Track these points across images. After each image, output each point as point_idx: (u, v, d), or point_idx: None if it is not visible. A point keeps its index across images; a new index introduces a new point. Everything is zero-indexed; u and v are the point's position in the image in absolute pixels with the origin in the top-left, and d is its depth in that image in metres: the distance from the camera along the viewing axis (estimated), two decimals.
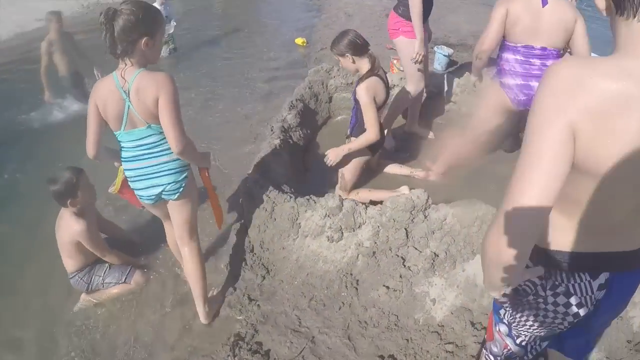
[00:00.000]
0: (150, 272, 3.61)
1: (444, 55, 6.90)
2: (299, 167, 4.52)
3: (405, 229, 3.18)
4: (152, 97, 2.36)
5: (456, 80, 5.73)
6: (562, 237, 1.45)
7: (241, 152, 5.11)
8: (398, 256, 3.18)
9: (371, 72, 3.82)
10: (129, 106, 2.41)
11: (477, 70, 4.05)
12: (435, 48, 7.07)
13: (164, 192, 2.70)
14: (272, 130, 4.59)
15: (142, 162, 2.62)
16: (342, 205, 3.28)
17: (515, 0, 3.53)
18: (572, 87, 1.14)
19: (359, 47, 3.78)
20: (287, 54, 8.76)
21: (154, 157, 2.61)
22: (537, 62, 3.63)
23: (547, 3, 3.44)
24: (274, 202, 3.42)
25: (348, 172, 4.05)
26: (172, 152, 2.53)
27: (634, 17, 1.12)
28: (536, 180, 1.16)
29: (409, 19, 4.38)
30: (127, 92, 2.37)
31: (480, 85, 4.50)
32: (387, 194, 3.99)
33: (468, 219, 3.12)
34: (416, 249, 3.16)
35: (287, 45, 9.18)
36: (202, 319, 3.10)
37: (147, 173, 2.64)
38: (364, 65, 3.85)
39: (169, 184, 2.67)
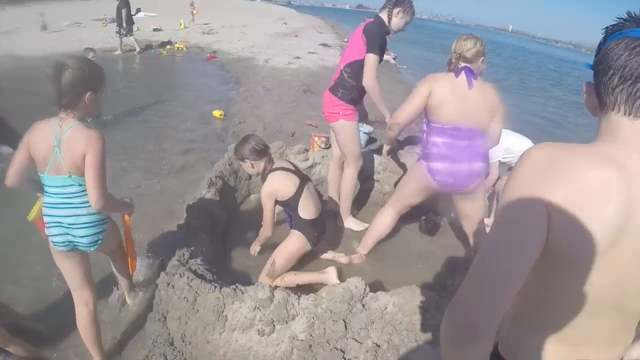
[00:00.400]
0: None
1: (365, 133, 6.89)
2: (219, 250, 4.18)
3: (344, 320, 2.93)
4: (81, 151, 2.46)
5: (377, 158, 5.66)
6: (527, 343, 1.34)
7: (156, 230, 4.70)
8: (337, 349, 2.89)
9: (270, 169, 3.93)
10: (57, 152, 2.48)
11: (389, 140, 4.41)
12: None
13: (79, 245, 2.72)
14: (188, 209, 4.28)
15: (61, 210, 2.62)
16: (273, 297, 2.99)
17: (439, 81, 3.55)
18: (551, 170, 1.13)
19: (259, 153, 3.89)
20: (203, 126, 8.52)
21: (73, 207, 2.63)
22: (464, 143, 3.61)
23: (473, 85, 3.49)
24: (196, 292, 3.05)
25: (281, 260, 3.82)
26: (90, 206, 2.56)
27: (612, 109, 1.15)
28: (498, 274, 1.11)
29: (348, 102, 4.37)
30: (59, 140, 2.47)
31: (389, 152, 4.80)
32: (314, 277, 3.90)
33: (410, 307, 2.94)
34: (356, 340, 2.90)
35: (204, 117, 8.95)
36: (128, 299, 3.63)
37: (63, 223, 2.64)
38: (261, 166, 3.94)
39: (85, 236, 2.69)
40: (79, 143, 2.45)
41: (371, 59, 4.11)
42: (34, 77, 6.91)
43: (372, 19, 4.28)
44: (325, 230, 4.15)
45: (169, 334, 3.14)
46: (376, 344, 2.89)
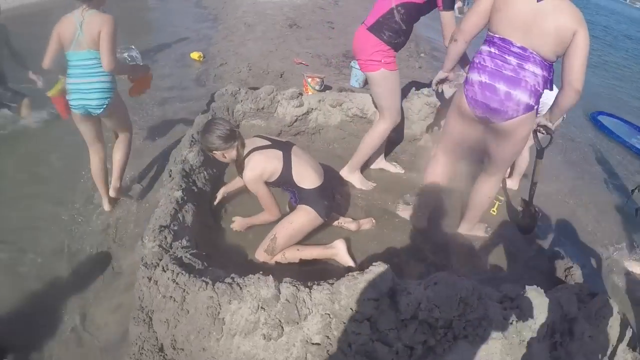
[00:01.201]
0: None
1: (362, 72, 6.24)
2: (207, 223, 3.56)
3: (368, 320, 2.36)
4: (97, 29, 3.36)
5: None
6: None
7: (131, 202, 4.12)
8: (361, 354, 2.35)
9: (244, 154, 3.27)
10: (79, 33, 3.40)
11: (450, 59, 3.43)
12: (352, 63, 6.44)
13: (89, 107, 3.59)
14: (170, 175, 3.63)
15: (80, 79, 3.52)
16: (280, 293, 2.40)
17: None
18: None
19: (227, 139, 3.19)
20: (181, 70, 7.63)
21: (89, 76, 3.52)
22: (513, 60, 2.95)
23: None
24: (184, 291, 2.47)
25: (283, 237, 3.25)
26: (103, 75, 3.54)
27: None
28: None
29: (394, 46, 3.74)
30: (81, 23, 3.38)
31: (440, 81, 3.78)
32: (320, 252, 3.37)
33: (448, 303, 2.38)
34: (384, 343, 2.36)
35: (182, 60, 8.06)
36: (111, 192, 4.06)
37: (81, 89, 3.53)
38: (234, 153, 3.26)
39: (95, 99, 3.56)
40: (96, 23, 3.35)
41: (449, 16, 3.57)
42: None
43: None
44: (334, 196, 3.57)
45: (157, 339, 2.62)
46: (409, 346, 2.37)
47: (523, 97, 2.94)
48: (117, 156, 4.03)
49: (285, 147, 3.33)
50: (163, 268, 2.60)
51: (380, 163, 4.65)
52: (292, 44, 8.68)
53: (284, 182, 3.29)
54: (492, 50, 3.00)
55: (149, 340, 2.62)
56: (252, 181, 3.18)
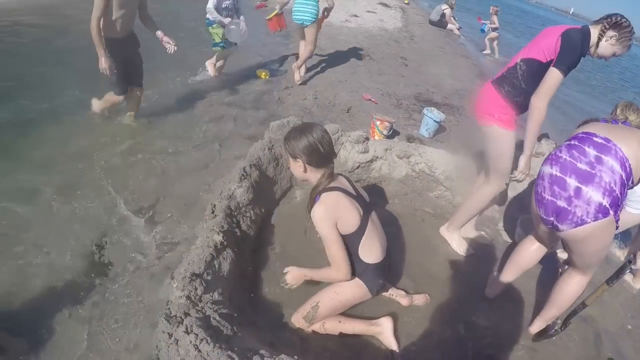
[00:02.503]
0: None
1: (435, 121, 5.87)
2: (245, 271, 3.21)
3: None
4: None
5: (450, 159, 4.54)
6: None
7: (170, 227, 3.81)
8: None
9: (325, 186, 2.80)
10: None
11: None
12: (424, 110, 6.04)
13: (305, 20, 7.08)
14: (212, 211, 3.30)
15: (302, 6, 7.03)
16: None
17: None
18: None
19: (321, 158, 2.77)
20: (244, 86, 7.36)
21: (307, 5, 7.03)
22: (591, 152, 2.61)
23: (617, 124, 2.89)
24: None
25: (327, 308, 2.87)
26: (313, 3, 7.09)
27: None
28: None
29: (511, 104, 3.47)
30: None
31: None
32: (363, 328, 2.97)
33: None
34: None
35: (247, 76, 7.81)
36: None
37: (301, 9, 7.05)
38: (315, 177, 2.84)
39: (308, 16, 7.06)
40: None
41: (555, 76, 3.19)
42: None
43: (579, 27, 3.24)
44: (390, 271, 3.14)
45: None
46: None
47: (597, 197, 2.54)
48: (301, 50, 7.53)
49: (366, 207, 2.91)
50: (187, 329, 2.28)
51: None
52: (363, 76, 8.39)
53: (346, 243, 2.83)
54: (572, 142, 2.74)
55: None
56: (323, 220, 2.66)
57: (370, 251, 2.84)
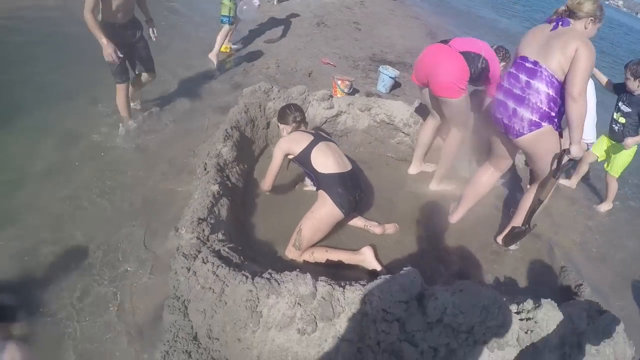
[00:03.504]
0: (32, 341, 2.71)
1: (390, 77, 6.38)
2: (239, 218, 3.70)
3: (398, 320, 2.50)
4: None
5: (407, 109, 5.08)
6: None
7: (171, 193, 4.18)
8: (388, 352, 2.49)
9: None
10: None
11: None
12: (380, 68, 6.55)
13: None
14: (205, 168, 3.77)
15: None
16: (316, 291, 2.54)
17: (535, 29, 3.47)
18: None
19: (293, 122, 3.91)
20: (209, 62, 7.53)
21: None
22: (523, 78, 3.29)
23: (556, 28, 3.25)
24: (224, 283, 2.61)
25: (308, 230, 3.40)
26: None
27: None
28: None
29: (471, 82, 4.04)
30: None
31: None
32: (348, 256, 3.48)
33: (472, 310, 2.51)
34: (411, 343, 2.49)
35: (209, 52, 7.87)
36: None
37: None
38: (289, 130, 3.92)
39: None
40: None
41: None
42: None
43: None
44: (359, 196, 3.63)
45: (192, 328, 2.73)
46: (433, 347, 2.50)
47: (526, 115, 3.23)
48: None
49: (319, 137, 3.69)
50: (203, 260, 2.73)
51: (422, 166, 4.88)
52: (320, 43, 8.79)
53: (303, 161, 3.59)
54: (511, 70, 3.37)
55: (184, 328, 2.74)
56: (277, 147, 3.69)
57: (323, 164, 3.50)
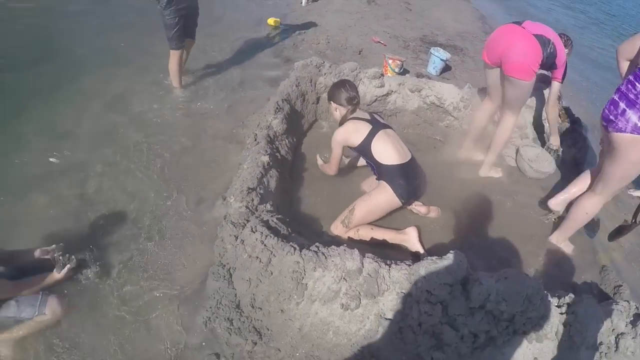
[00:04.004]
0: (70, 295, 2.83)
1: (442, 60, 6.31)
2: (287, 190, 3.76)
3: (441, 303, 2.52)
4: None
5: (457, 92, 5.03)
6: None
7: (217, 156, 4.27)
8: (429, 334, 2.52)
9: (347, 118, 3.75)
10: None
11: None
12: (432, 50, 6.47)
13: None
14: (255, 139, 3.82)
15: None
16: (363, 267, 2.57)
17: None
18: None
19: (348, 101, 3.71)
20: (258, 34, 7.67)
21: None
22: (639, 87, 3.18)
23: None
24: (271, 253, 2.66)
25: (362, 210, 3.43)
26: None
27: None
28: None
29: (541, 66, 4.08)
30: None
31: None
32: (392, 235, 3.49)
33: (515, 298, 2.51)
34: (452, 327, 2.51)
35: (259, 24, 8.08)
36: None
37: None
38: (343, 112, 3.77)
39: None
40: None
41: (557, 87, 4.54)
42: None
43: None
44: (419, 182, 3.68)
45: (235, 296, 2.80)
46: (473, 333, 2.52)
47: (633, 117, 3.14)
48: None
49: (378, 125, 3.61)
50: (252, 229, 2.78)
51: (473, 152, 4.84)
52: (370, 21, 8.72)
53: (363, 152, 3.59)
54: (630, 77, 3.25)
55: (228, 296, 2.81)
56: (334, 140, 3.63)
57: (385, 154, 3.48)
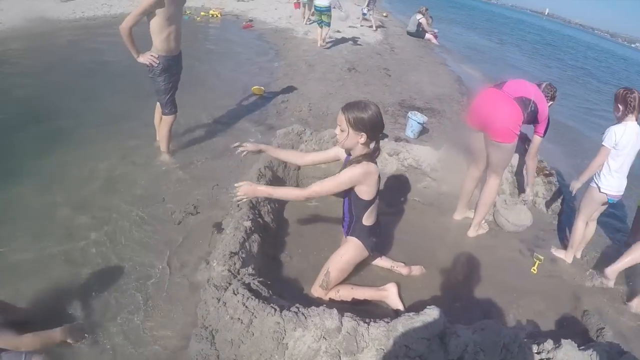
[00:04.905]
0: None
1: (418, 123, 6.55)
2: (269, 254, 3.83)
3: (420, 357, 2.58)
4: None
5: (434, 154, 5.23)
6: None
7: (199, 224, 4.37)
8: None
9: (370, 158, 3.24)
10: None
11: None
12: (409, 114, 6.72)
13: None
14: (238, 205, 3.92)
15: None
16: (342, 325, 2.65)
17: None
18: None
19: (378, 131, 3.20)
20: (243, 103, 7.93)
21: None
22: None
23: None
24: (252, 314, 2.73)
25: (336, 271, 3.47)
26: None
27: None
28: None
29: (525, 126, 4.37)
30: None
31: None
32: (372, 293, 3.55)
33: (493, 348, 2.59)
34: None
35: (244, 93, 8.33)
36: None
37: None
38: (368, 148, 3.25)
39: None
40: None
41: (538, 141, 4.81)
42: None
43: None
44: (381, 234, 3.75)
45: (218, 357, 2.83)
46: None
47: None
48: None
49: (378, 186, 3.45)
50: (234, 291, 2.85)
51: (466, 213, 5.04)
52: (351, 88, 9.05)
53: (358, 206, 3.39)
54: None
55: (210, 357, 2.83)
56: (352, 176, 3.17)
57: (370, 217, 3.47)
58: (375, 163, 3.27)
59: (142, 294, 3.46)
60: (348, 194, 3.36)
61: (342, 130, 3.17)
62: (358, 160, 3.20)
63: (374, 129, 3.14)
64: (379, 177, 3.34)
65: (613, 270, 4.28)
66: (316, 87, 8.73)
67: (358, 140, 3.16)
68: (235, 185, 3.27)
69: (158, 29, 4.74)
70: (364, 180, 3.21)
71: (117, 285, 3.52)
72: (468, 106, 4.49)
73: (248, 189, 3.24)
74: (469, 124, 4.45)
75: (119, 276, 3.61)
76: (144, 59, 4.79)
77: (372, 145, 3.24)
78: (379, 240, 3.66)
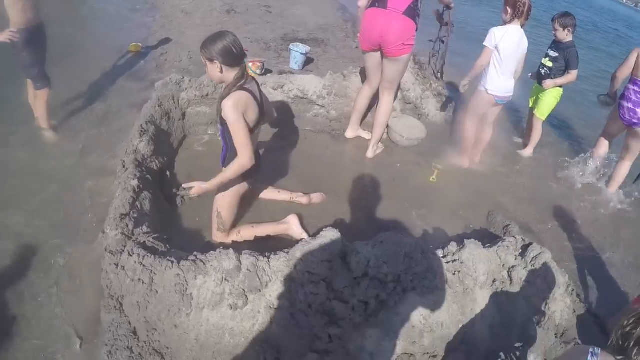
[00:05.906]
0: None
1: (301, 54, 6.45)
2: (162, 208, 3.69)
3: (324, 281, 2.60)
4: None
5: (320, 82, 5.18)
6: None
7: (85, 196, 4.13)
8: (321, 313, 2.60)
9: (238, 85, 3.12)
10: None
11: (612, 89, 5.21)
12: (290, 46, 6.59)
13: None
14: (123, 165, 3.73)
15: None
16: (241, 264, 2.61)
17: None
18: None
19: (233, 57, 3.06)
20: (121, 62, 7.42)
21: None
22: None
23: None
24: (151, 272, 2.64)
25: (224, 210, 3.42)
26: None
27: None
28: None
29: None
30: None
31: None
32: (274, 228, 3.56)
33: (395, 259, 2.65)
34: (341, 301, 2.60)
35: (121, 52, 7.76)
36: None
37: None
38: (231, 76, 3.12)
39: None
40: None
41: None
42: None
43: None
44: (261, 164, 3.62)
45: (130, 323, 2.75)
46: (363, 301, 2.64)
47: None
48: None
49: (262, 115, 3.36)
50: (129, 253, 2.75)
51: (358, 131, 5.14)
52: (231, 29, 8.65)
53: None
54: (636, 88, 4.86)
55: (122, 325, 2.75)
56: (234, 109, 3.01)
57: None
58: (247, 90, 3.14)
59: (49, 279, 3.31)
60: (223, 122, 3.18)
61: (204, 66, 3.15)
62: (225, 94, 3.09)
63: (225, 55, 3.04)
64: (257, 103, 3.22)
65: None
66: (195, 34, 8.31)
67: (217, 71, 3.10)
68: (184, 186, 3.27)
69: (12, 1, 4.36)
70: (243, 108, 3.09)
71: (19, 269, 3.36)
72: (357, 33, 4.43)
73: (198, 189, 3.20)
74: (363, 48, 4.42)
75: (21, 261, 3.44)
76: (3, 37, 4.39)
77: (235, 73, 3.11)
78: (256, 167, 3.37)
